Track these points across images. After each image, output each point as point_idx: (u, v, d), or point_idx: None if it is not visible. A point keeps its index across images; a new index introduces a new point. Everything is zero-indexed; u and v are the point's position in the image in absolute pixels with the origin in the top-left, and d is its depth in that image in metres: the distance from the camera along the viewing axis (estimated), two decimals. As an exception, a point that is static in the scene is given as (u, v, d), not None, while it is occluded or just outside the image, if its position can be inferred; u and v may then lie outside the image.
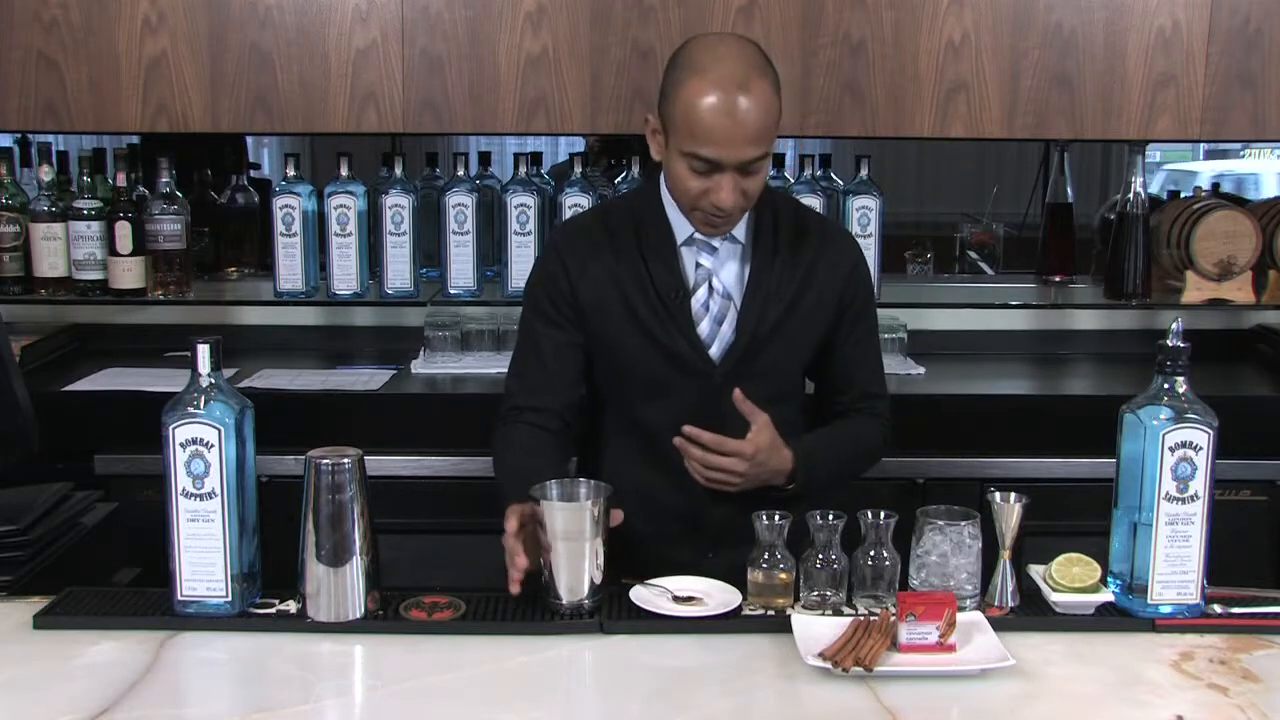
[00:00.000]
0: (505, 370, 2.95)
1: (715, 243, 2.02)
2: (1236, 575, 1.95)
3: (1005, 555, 1.78)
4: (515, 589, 1.74)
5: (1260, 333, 3.29)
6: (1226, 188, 4.40)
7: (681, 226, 2.02)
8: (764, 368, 2.03)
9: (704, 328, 2.02)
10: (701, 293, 2.02)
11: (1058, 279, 3.32)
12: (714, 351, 2.02)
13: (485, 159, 3.31)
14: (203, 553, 1.70)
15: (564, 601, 1.73)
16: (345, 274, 3.02)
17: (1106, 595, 1.76)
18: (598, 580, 1.74)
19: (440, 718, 1.51)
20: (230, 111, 2.86)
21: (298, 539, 1.71)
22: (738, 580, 1.79)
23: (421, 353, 3.09)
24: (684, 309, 2.01)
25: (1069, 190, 3.32)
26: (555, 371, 2.06)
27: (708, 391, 2.00)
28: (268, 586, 1.78)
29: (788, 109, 2.83)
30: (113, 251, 2.99)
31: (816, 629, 1.66)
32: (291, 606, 1.74)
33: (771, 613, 1.74)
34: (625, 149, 3.35)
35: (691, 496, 2.00)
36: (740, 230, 2.03)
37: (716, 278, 2.03)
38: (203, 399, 1.68)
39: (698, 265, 2.03)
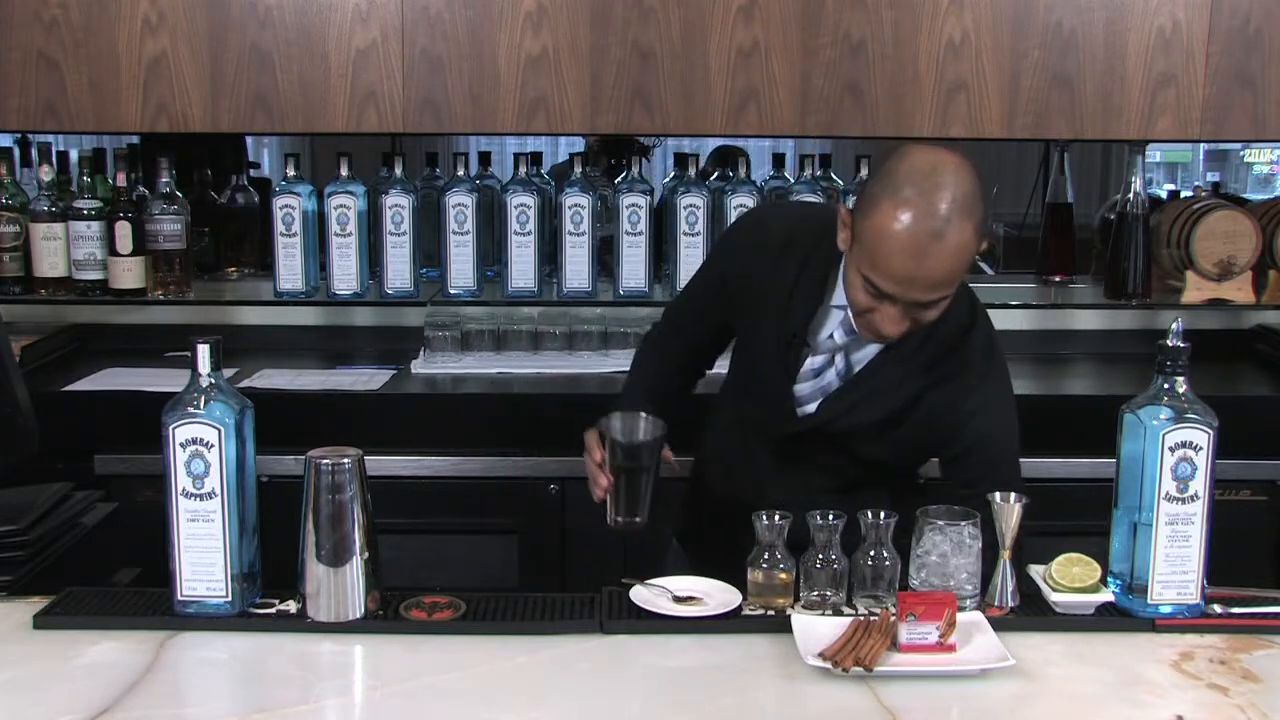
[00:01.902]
0: (505, 370, 3.00)
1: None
2: (1236, 575, 1.95)
3: (1005, 555, 1.78)
4: (600, 494, 1.98)
5: (1260, 333, 3.29)
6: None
7: (840, 293, 1.90)
8: (841, 451, 1.99)
9: (804, 389, 1.97)
10: (820, 360, 1.95)
11: (1058, 279, 3.32)
12: (801, 411, 1.98)
13: (485, 159, 3.32)
14: (203, 553, 1.70)
15: (620, 520, 1.95)
16: (345, 274, 3.02)
17: (1106, 595, 1.76)
18: (648, 505, 1.94)
19: (440, 718, 1.51)
20: (230, 111, 2.86)
21: (298, 539, 1.71)
22: (733, 572, 1.80)
23: (421, 353, 3.09)
24: (795, 358, 1.95)
25: (1069, 190, 3.32)
26: (693, 333, 2.19)
27: (788, 436, 2.02)
28: (268, 586, 1.78)
29: (789, 110, 2.86)
30: (113, 251, 2.99)
31: (816, 629, 1.66)
32: (291, 606, 1.74)
33: (771, 613, 1.74)
34: (625, 149, 3.35)
35: (758, 495, 1.95)
36: None
37: (844, 357, 1.94)
38: (203, 399, 1.68)
39: (830, 336, 1.94)
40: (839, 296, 1.91)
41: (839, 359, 1.96)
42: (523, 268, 3.05)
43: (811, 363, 1.96)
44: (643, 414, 1.96)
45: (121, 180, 3.01)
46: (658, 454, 1.94)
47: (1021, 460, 2.75)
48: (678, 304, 2.28)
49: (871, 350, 1.94)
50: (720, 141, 4.31)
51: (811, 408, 1.98)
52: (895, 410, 1.93)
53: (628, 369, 2.30)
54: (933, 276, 1.72)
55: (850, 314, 1.87)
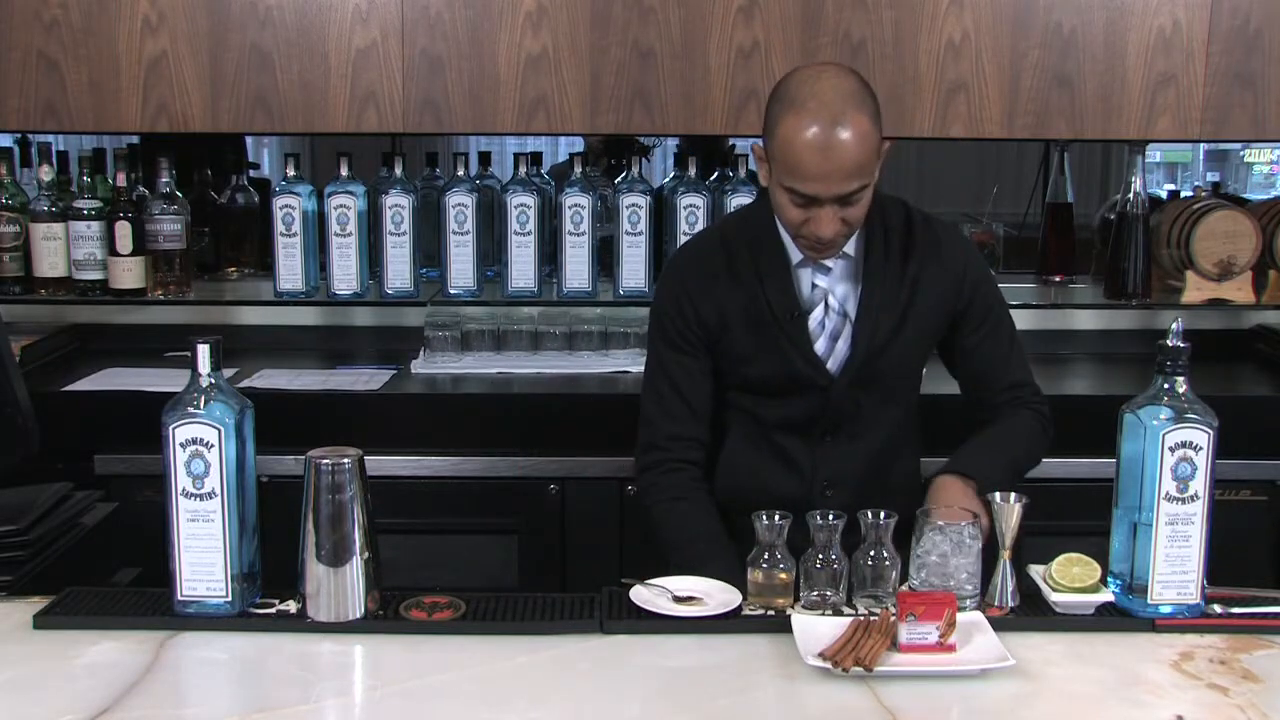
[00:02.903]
0: (505, 370, 2.99)
1: (829, 261, 2.05)
2: (1236, 575, 1.95)
3: (1005, 555, 1.78)
4: None
5: (1260, 333, 3.29)
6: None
7: (794, 247, 2.05)
8: (880, 377, 2.08)
9: (821, 345, 2.07)
10: (818, 311, 2.07)
11: (1058, 279, 3.32)
12: (832, 366, 2.07)
13: (485, 159, 3.32)
14: (203, 553, 1.70)
15: None
16: (345, 274, 3.02)
17: (1106, 595, 1.76)
18: None
19: (440, 718, 1.51)
20: (230, 111, 2.86)
21: (298, 539, 1.71)
22: (732, 572, 1.81)
23: (421, 353, 3.09)
24: (801, 328, 2.05)
25: (1069, 190, 3.32)
26: (692, 396, 2.12)
27: (826, 400, 2.07)
28: (268, 586, 1.78)
29: (788, 109, 2.86)
30: (113, 251, 2.99)
31: (816, 629, 1.66)
32: (291, 606, 1.74)
33: (771, 613, 1.74)
34: (625, 149, 3.35)
35: (803, 484, 2.09)
36: (851, 246, 2.05)
37: (832, 295, 2.07)
38: (203, 399, 1.68)
39: (813, 285, 2.06)
40: (794, 253, 2.05)
41: (831, 300, 2.07)
42: (523, 268, 3.05)
43: (814, 319, 2.07)
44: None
45: (121, 180, 3.01)
46: None
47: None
48: (665, 414, 2.12)
49: (847, 282, 2.07)
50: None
51: (833, 364, 2.06)
52: (905, 304, 2.07)
53: (639, 419, 2.15)
54: (844, 165, 1.86)
55: (798, 247, 2.02)
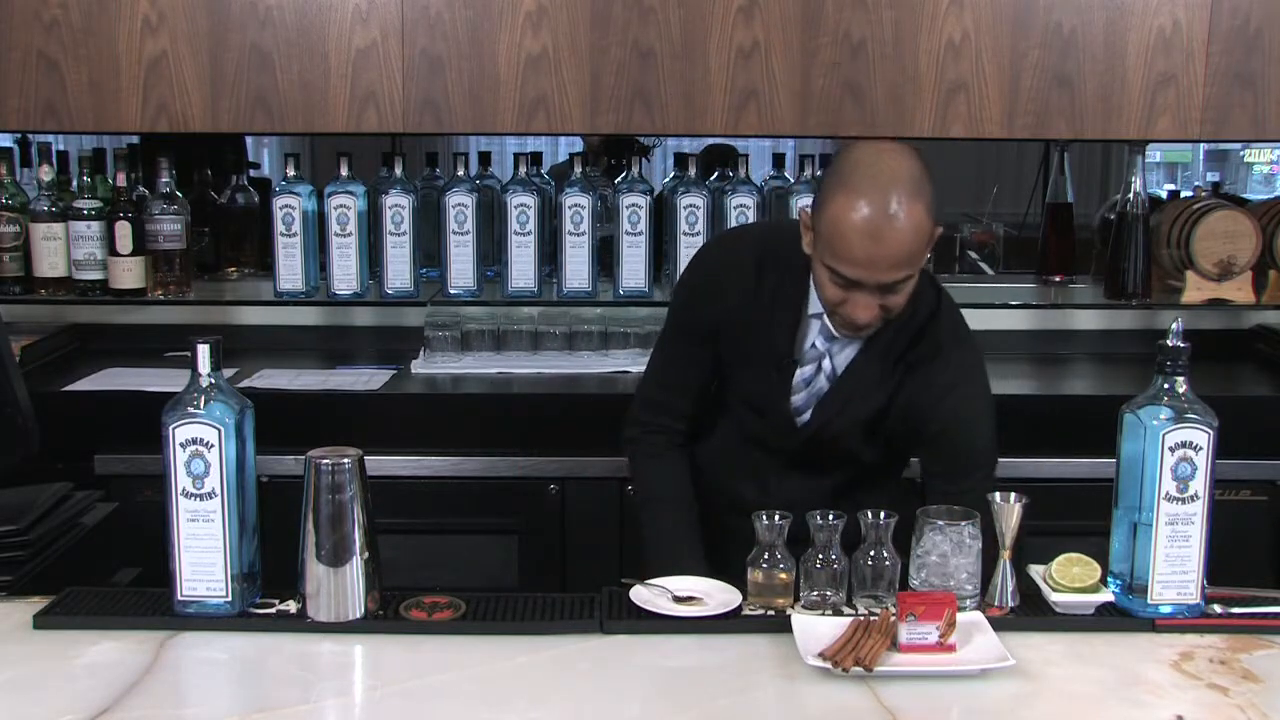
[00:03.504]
0: (505, 370, 2.99)
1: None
2: (1236, 575, 1.95)
3: (1005, 555, 1.78)
4: None
5: (1260, 333, 3.29)
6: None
7: (815, 301, 1.98)
8: (840, 451, 2.07)
9: (799, 399, 2.05)
10: (809, 369, 2.04)
11: (1058, 279, 3.32)
12: (802, 420, 2.06)
13: (485, 159, 3.32)
14: (203, 553, 1.70)
15: None
16: (345, 274, 3.02)
17: (1106, 595, 1.76)
18: None
19: (440, 718, 1.51)
20: (230, 111, 2.86)
21: (298, 539, 1.71)
22: (732, 571, 1.81)
23: (421, 353, 3.09)
24: (785, 377, 2.04)
25: (1069, 190, 3.32)
26: (688, 378, 2.15)
27: (793, 444, 2.08)
28: (268, 586, 1.78)
29: (789, 110, 2.86)
30: (113, 251, 2.99)
31: (816, 629, 1.66)
32: (291, 606, 1.74)
33: (771, 613, 1.74)
34: (625, 149, 3.35)
35: (766, 500, 1.98)
36: None
37: (830, 359, 2.03)
38: (203, 399, 1.68)
39: (813, 345, 2.03)
40: (814, 305, 1.99)
41: (825, 363, 2.03)
42: (523, 268, 3.05)
43: (801, 374, 2.04)
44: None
45: (121, 180, 3.00)
46: None
47: (1022, 460, 2.78)
48: (657, 383, 2.18)
49: (852, 351, 2.02)
50: (713, 140, 4.30)
51: (808, 415, 2.05)
52: (881, 405, 2.01)
53: (632, 384, 2.25)
54: (891, 255, 1.80)
55: (825, 316, 1.96)
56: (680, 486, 2.16)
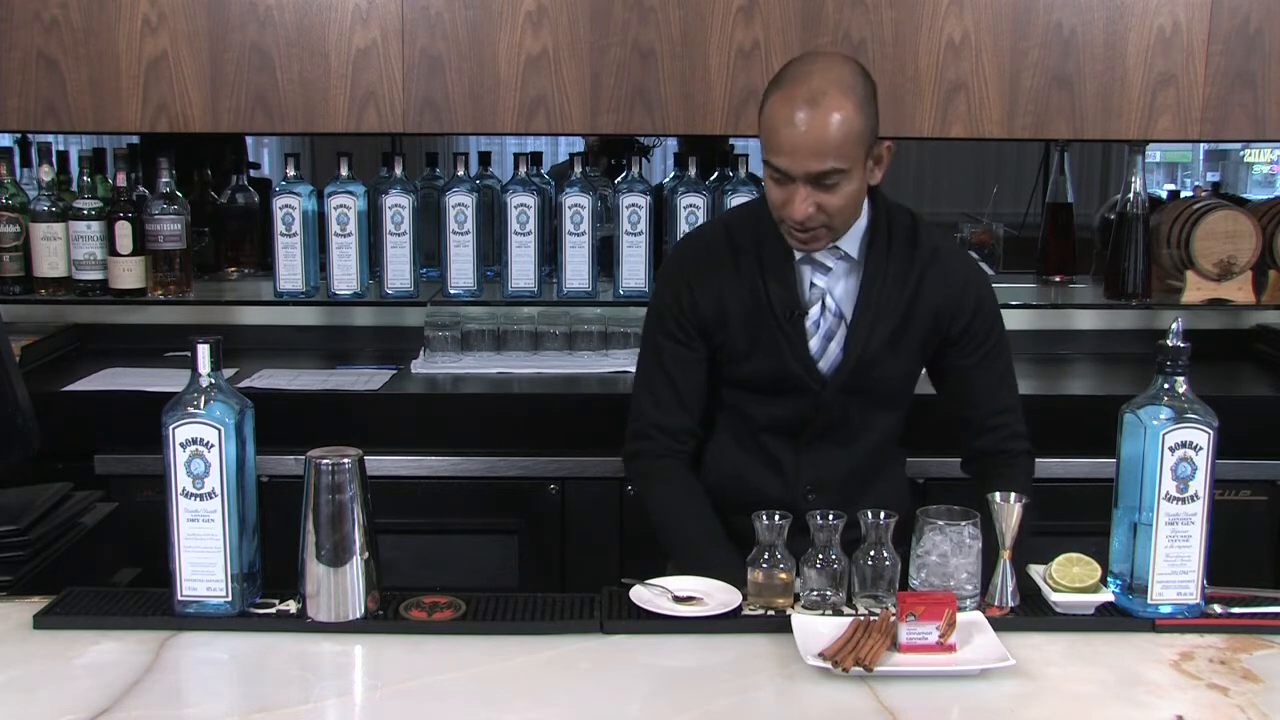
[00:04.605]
0: (505, 370, 2.99)
1: (830, 262, 2.05)
2: (1236, 575, 1.95)
3: (1005, 555, 1.78)
4: None
5: (1260, 333, 3.29)
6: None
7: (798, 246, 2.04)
8: (872, 384, 2.08)
9: (815, 344, 2.06)
10: (815, 311, 2.06)
11: (1058, 279, 3.32)
12: (824, 367, 2.06)
13: (485, 159, 3.32)
14: (203, 553, 1.70)
15: None
16: (345, 274, 3.02)
17: (1106, 595, 1.76)
18: None
19: (440, 718, 1.51)
20: (230, 111, 2.86)
21: (298, 539, 1.71)
22: (732, 571, 1.80)
23: (421, 353, 3.09)
24: (798, 328, 2.05)
25: (1069, 190, 3.32)
26: (685, 388, 2.11)
27: (816, 404, 2.07)
28: (268, 586, 1.78)
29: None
30: (113, 251, 2.99)
31: (816, 629, 1.66)
32: (291, 606, 1.74)
33: (771, 613, 1.74)
34: (625, 149, 3.35)
35: (785, 486, 2.09)
36: (855, 249, 2.05)
37: (830, 296, 2.06)
38: (203, 399, 1.68)
39: (812, 285, 2.06)
40: (797, 251, 2.04)
41: (829, 300, 2.06)
42: (523, 268, 3.05)
43: (810, 319, 2.06)
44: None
45: (121, 180, 3.01)
46: None
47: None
48: (655, 402, 2.13)
49: (846, 282, 2.06)
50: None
51: (825, 365, 2.06)
52: (903, 313, 2.04)
53: (631, 401, 2.15)
54: (813, 142, 1.86)
55: (780, 230, 2.00)
56: (700, 502, 2.10)
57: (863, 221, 2.04)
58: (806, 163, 1.88)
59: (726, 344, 2.09)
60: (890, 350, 2.06)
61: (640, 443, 2.14)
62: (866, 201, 2.04)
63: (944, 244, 2.13)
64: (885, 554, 1.74)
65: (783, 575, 1.75)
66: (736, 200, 3.03)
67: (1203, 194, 3.38)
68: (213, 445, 1.68)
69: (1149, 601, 1.74)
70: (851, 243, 2.04)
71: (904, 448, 2.23)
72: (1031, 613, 1.76)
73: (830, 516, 1.74)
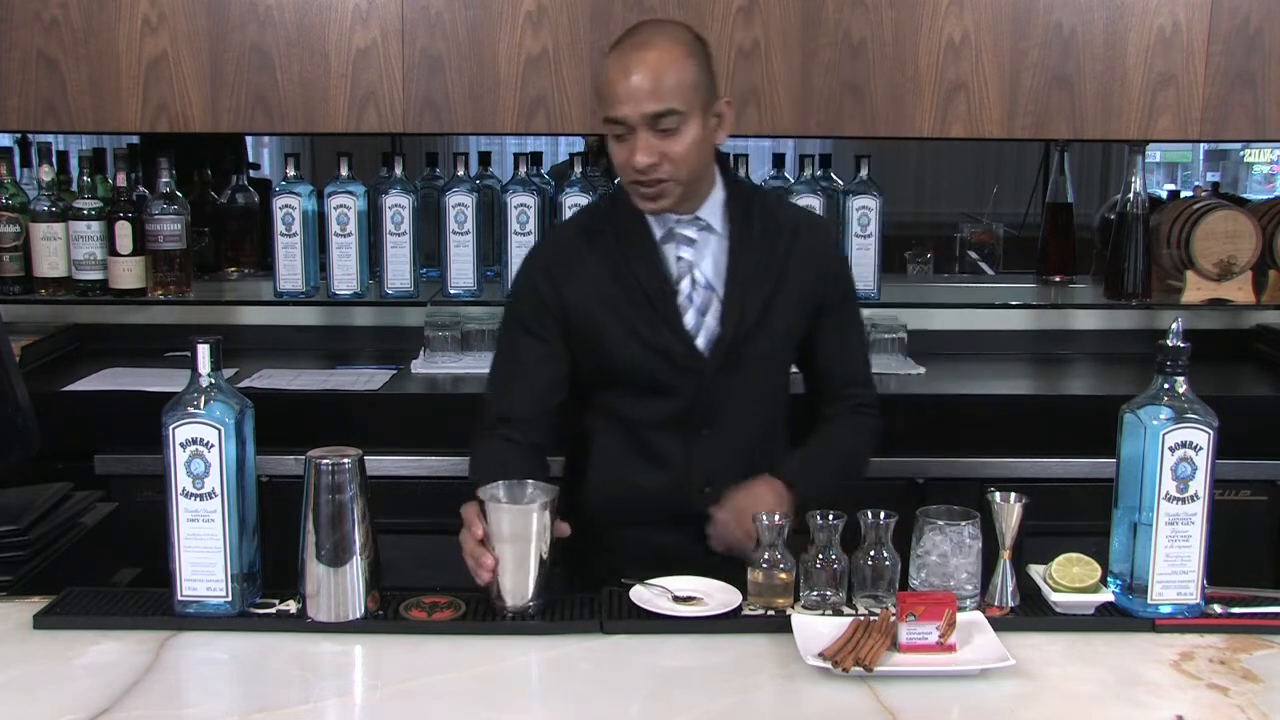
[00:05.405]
0: (505, 370, 2.99)
1: (693, 234, 2.04)
2: (1236, 575, 1.95)
3: (1005, 555, 1.78)
4: (487, 577, 1.74)
5: (1260, 333, 3.29)
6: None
7: (658, 222, 2.04)
8: (752, 358, 2.05)
9: (689, 320, 2.04)
10: (685, 285, 2.04)
11: (1058, 279, 3.32)
12: (701, 343, 2.03)
13: (485, 159, 3.32)
14: (203, 553, 1.70)
15: (508, 604, 1.73)
16: (345, 274, 3.02)
17: (1106, 595, 1.76)
18: (542, 583, 1.74)
19: (440, 718, 1.51)
20: (230, 111, 2.86)
21: (298, 539, 1.71)
22: (732, 570, 1.80)
23: (421, 353, 3.09)
24: (670, 305, 2.03)
25: (1069, 190, 3.32)
26: (534, 381, 2.06)
27: (698, 386, 2.03)
28: (268, 586, 1.78)
29: (789, 110, 2.86)
30: (113, 251, 2.99)
31: (816, 629, 1.66)
32: (291, 606, 1.74)
33: (771, 613, 1.74)
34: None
35: (677, 482, 2.05)
36: (717, 220, 2.05)
37: (698, 269, 2.05)
38: (203, 399, 1.68)
39: (679, 259, 2.05)
40: (658, 229, 2.04)
41: (696, 273, 2.05)
42: (523, 268, 3.04)
43: (680, 293, 2.04)
44: (529, 480, 1.81)
45: (121, 180, 3.00)
46: (552, 523, 1.76)
47: (1022, 460, 2.79)
48: (500, 378, 2.11)
49: (713, 255, 2.05)
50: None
51: (703, 341, 2.03)
52: (773, 283, 2.05)
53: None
54: (645, 85, 1.91)
55: (634, 198, 2.00)
56: (520, 459, 1.98)
57: (719, 192, 2.06)
58: (641, 104, 1.90)
59: (598, 334, 2.03)
60: (765, 320, 2.04)
61: (479, 438, 2.07)
62: (720, 174, 2.06)
63: (806, 216, 2.21)
64: (885, 554, 1.74)
65: (783, 575, 1.75)
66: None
67: (1203, 194, 3.38)
68: (213, 445, 1.68)
69: (1149, 601, 1.74)
70: (711, 212, 2.04)
71: (790, 441, 2.20)
72: (1031, 613, 1.76)
73: (830, 516, 1.74)
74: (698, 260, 2.05)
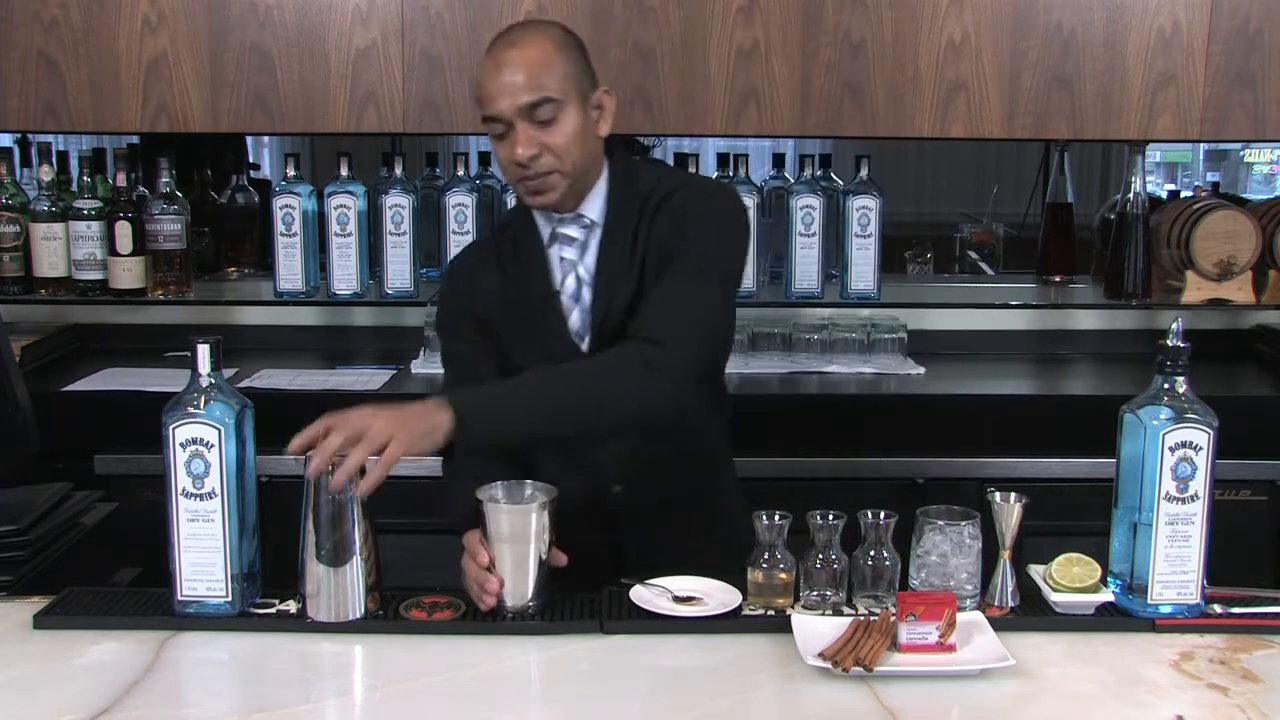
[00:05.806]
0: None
1: (575, 232, 2.01)
2: (1236, 575, 1.95)
3: (1005, 555, 1.78)
4: (491, 602, 1.74)
5: (1260, 333, 3.29)
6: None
7: (544, 226, 2.03)
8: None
9: (574, 321, 2.02)
10: (570, 284, 2.02)
11: (1058, 279, 3.32)
12: (586, 344, 2.01)
13: (485, 159, 3.32)
14: (203, 553, 1.70)
15: (508, 605, 1.73)
16: (345, 274, 3.02)
17: (1106, 595, 1.76)
18: (542, 583, 1.75)
19: (440, 718, 1.51)
20: (230, 111, 2.86)
21: (298, 539, 1.71)
22: (732, 570, 1.80)
23: (421, 353, 3.09)
24: (554, 309, 2.02)
25: (1069, 190, 3.32)
26: (470, 380, 2.02)
27: None
28: (268, 586, 1.78)
29: (788, 109, 2.86)
30: (113, 251, 3.00)
31: (816, 629, 1.66)
32: (291, 606, 1.74)
33: (771, 613, 1.74)
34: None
35: (587, 480, 2.00)
36: (598, 214, 2.01)
37: (580, 267, 2.02)
38: (203, 399, 1.68)
39: (562, 259, 2.03)
40: (544, 229, 2.03)
41: (580, 271, 2.02)
42: (523, 268, 3.04)
43: (567, 293, 2.02)
44: (528, 481, 1.80)
45: (121, 180, 3.01)
46: (551, 523, 1.76)
47: (1022, 460, 2.78)
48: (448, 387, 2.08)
49: (594, 251, 2.01)
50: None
51: (586, 341, 2.01)
52: (638, 272, 1.98)
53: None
54: (518, 78, 1.90)
55: (520, 195, 1.99)
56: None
57: (602, 184, 2.01)
58: (516, 96, 1.89)
59: (503, 338, 2.05)
60: (636, 309, 1.98)
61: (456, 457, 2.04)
62: (609, 166, 2.02)
63: (681, 188, 2.03)
64: (885, 554, 1.74)
65: (783, 575, 1.75)
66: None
67: (1203, 194, 3.38)
68: (213, 445, 1.68)
69: (1149, 601, 1.74)
70: (593, 208, 2.00)
71: (725, 445, 2.15)
72: (1031, 613, 1.76)
73: (830, 516, 1.74)
74: (580, 258, 2.03)
